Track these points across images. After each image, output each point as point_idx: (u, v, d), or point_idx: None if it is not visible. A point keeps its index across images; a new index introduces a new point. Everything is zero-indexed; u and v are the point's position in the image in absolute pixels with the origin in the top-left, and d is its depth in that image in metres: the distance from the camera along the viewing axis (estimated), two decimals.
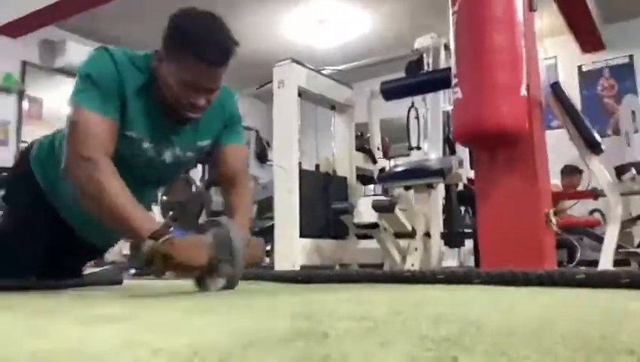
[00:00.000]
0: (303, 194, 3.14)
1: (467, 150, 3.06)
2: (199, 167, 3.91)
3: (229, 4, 5.30)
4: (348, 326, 0.63)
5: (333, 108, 3.79)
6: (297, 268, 2.87)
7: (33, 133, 6.77)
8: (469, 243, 3.34)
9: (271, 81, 3.35)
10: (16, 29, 5.30)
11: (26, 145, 2.00)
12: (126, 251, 4.43)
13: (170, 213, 3.75)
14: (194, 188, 3.73)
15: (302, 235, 3.03)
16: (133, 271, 3.39)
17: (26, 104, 5.82)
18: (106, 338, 0.59)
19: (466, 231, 3.17)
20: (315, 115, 3.98)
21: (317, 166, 3.60)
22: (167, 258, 1.17)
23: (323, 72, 3.84)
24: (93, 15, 5.16)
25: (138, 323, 0.72)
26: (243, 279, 1.32)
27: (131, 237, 1.28)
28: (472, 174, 2.83)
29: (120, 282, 1.94)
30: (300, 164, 3.26)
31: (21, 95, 5.68)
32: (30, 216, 1.56)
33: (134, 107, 1.36)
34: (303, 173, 3.24)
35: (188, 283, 1.39)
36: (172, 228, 1.32)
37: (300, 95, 3.36)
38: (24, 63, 5.68)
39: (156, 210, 4.52)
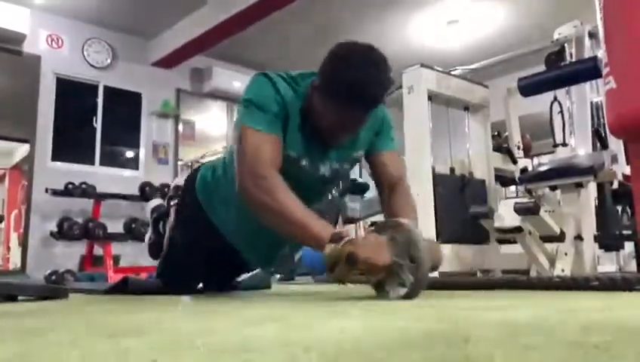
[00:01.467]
0: (437, 199, 3.09)
1: (621, 144, 2.78)
2: None
3: (355, 13, 5.43)
4: (490, 332, 0.63)
5: (466, 108, 3.69)
6: (436, 275, 2.83)
7: (188, 152, 7.57)
8: (629, 246, 3.02)
9: (400, 87, 3.36)
10: (170, 61, 5.99)
11: (187, 171, 2.17)
12: None
13: None
14: (329, 196, 3.86)
15: (438, 241, 2.98)
16: (278, 276, 3.61)
17: (180, 127, 6.51)
18: (263, 335, 0.66)
19: (625, 232, 2.87)
20: (447, 116, 3.89)
21: (452, 169, 3.52)
22: (351, 258, 1.14)
23: (454, 72, 3.75)
24: (235, 42, 5.61)
25: (288, 323, 0.78)
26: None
27: (311, 244, 1.26)
28: (628, 170, 2.56)
29: (269, 286, 2.09)
30: (433, 168, 3.22)
31: (177, 119, 6.38)
32: (198, 239, 1.70)
33: (293, 128, 1.41)
34: (436, 178, 3.20)
35: (327, 287, 1.45)
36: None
37: (430, 98, 3.32)
38: (178, 91, 6.37)
39: None
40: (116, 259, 4.98)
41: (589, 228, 2.79)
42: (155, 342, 0.62)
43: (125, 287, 1.78)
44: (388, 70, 1.33)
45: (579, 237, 2.76)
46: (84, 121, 5.67)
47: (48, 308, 1.22)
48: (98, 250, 5.03)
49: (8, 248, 7.53)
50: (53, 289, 1.79)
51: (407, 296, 1.15)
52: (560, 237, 2.77)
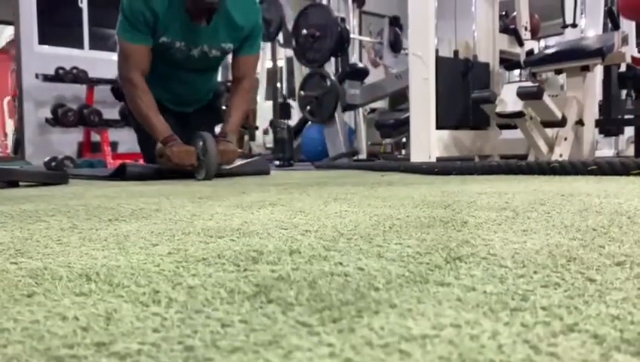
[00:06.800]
0: (439, 83, 3.01)
1: (633, 24, 2.65)
2: (332, 60, 3.91)
3: None
4: (487, 215, 0.63)
5: None
6: (434, 160, 2.84)
7: None
8: (628, 132, 3.01)
9: None
10: None
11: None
12: (270, 144, 4.74)
13: (308, 107, 3.87)
14: (329, 83, 3.77)
15: (438, 126, 2.95)
16: (277, 162, 3.63)
17: None
18: (261, 220, 0.66)
19: (627, 117, 2.84)
20: None
21: (455, 52, 3.40)
22: (167, 157, 1.75)
23: None
24: None
25: (287, 208, 0.79)
26: (375, 170, 1.27)
27: (154, 136, 1.80)
28: (637, 52, 2.47)
29: (268, 172, 2.11)
30: (437, 50, 3.10)
31: None
32: None
33: (165, 18, 1.76)
34: (439, 61, 3.09)
35: (327, 173, 1.45)
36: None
37: None
38: None
39: (294, 104, 4.69)
40: (114, 146, 5.00)
41: (592, 113, 2.75)
42: (155, 227, 0.62)
43: (123, 174, 1.79)
44: None
45: (580, 122, 2.74)
46: (68, 0, 5.37)
47: (49, 194, 1.23)
48: (95, 137, 5.03)
49: (5, 135, 7.53)
50: (54, 175, 1.81)
51: (204, 178, 1.74)
52: (561, 123, 2.74)
